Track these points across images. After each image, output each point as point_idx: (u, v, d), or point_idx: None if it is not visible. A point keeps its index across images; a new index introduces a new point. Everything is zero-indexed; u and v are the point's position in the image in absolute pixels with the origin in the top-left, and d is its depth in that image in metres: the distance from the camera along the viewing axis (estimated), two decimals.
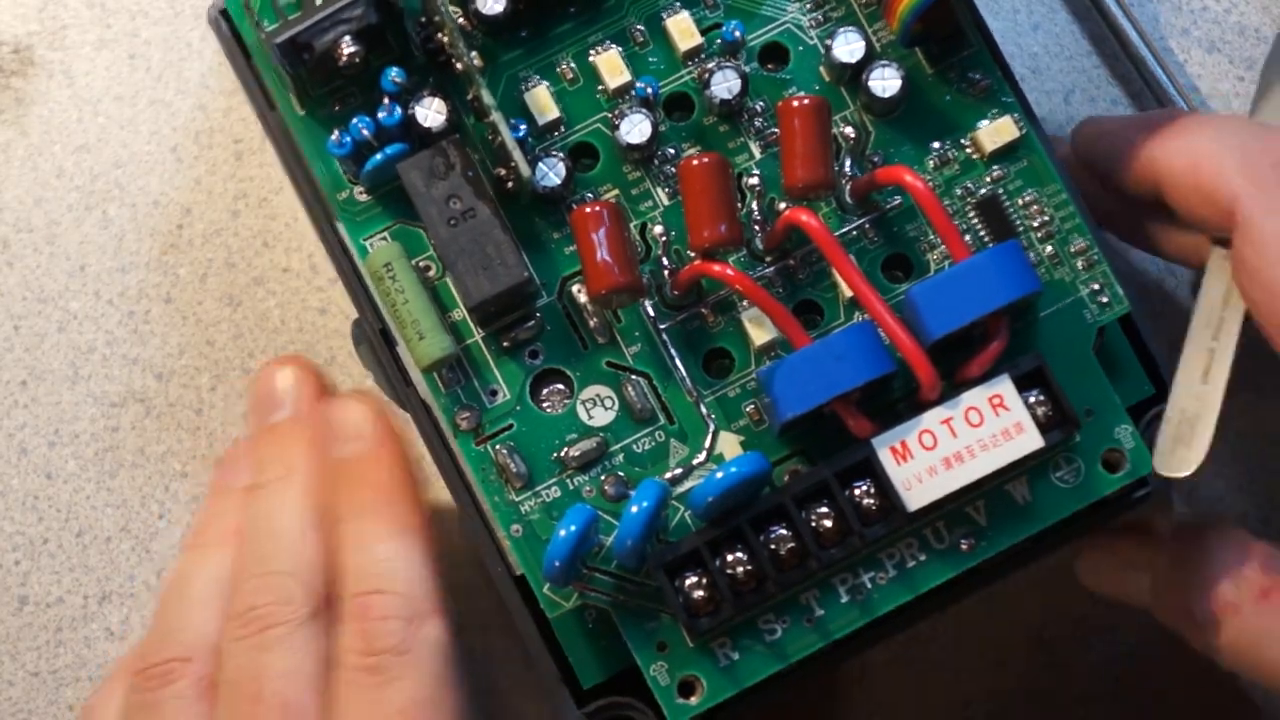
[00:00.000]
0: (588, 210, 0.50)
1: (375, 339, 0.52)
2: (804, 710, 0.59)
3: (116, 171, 0.59)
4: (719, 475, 0.48)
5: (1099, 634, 0.60)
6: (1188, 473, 0.50)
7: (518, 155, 0.49)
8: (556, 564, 0.48)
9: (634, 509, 0.48)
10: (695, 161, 0.50)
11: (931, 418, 0.49)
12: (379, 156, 0.50)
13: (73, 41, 0.59)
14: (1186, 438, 0.51)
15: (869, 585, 0.50)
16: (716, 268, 0.50)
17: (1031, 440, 0.49)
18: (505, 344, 0.51)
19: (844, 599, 0.50)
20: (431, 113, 0.50)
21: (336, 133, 0.50)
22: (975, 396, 0.49)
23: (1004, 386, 0.49)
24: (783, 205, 0.51)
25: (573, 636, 0.52)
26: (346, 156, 0.50)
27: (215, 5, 0.52)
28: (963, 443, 0.49)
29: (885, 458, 0.49)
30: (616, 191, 0.52)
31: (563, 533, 0.48)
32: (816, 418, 0.50)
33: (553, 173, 0.51)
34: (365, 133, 0.50)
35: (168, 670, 0.49)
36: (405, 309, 0.50)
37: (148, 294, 0.59)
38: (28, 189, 0.59)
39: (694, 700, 0.50)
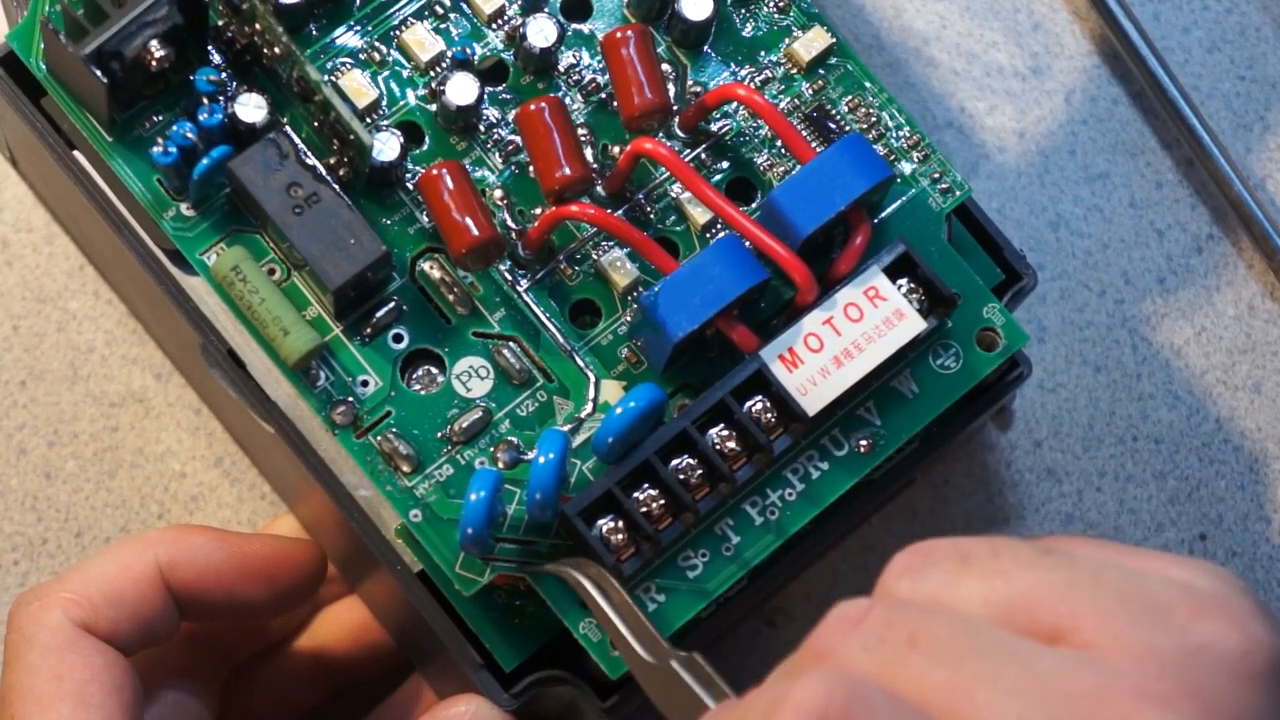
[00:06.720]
0: (434, 172, 0.49)
1: (223, 361, 0.50)
2: None
3: None
4: (618, 412, 0.47)
5: None
6: None
7: (356, 125, 0.47)
8: (470, 531, 0.47)
9: (541, 460, 0.47)
10: (533, 106, 0.49)
11: (812, 321, 0.49)
12: (205, 161, 0.48)
13: None
14: None
15: (779, 504, 0.50)
16: (575, 208, 0.49)
17: (914, 325, 0.49)
18: (367, 332, 0.49)
19: (757, 521, 0.49)
20: (251, 108, 0.49)
21: (160, 143, 0.48)
22: (850, 293, 0.49)
23: (876, 278, 0.49)
24: (616, 149, 0.51)
25: (482, 623, 0.50)
26: (172, 165, 0.48)
27: None
28: (848, 339, 0.49)
29: (776, 367, 0.48)
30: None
31: (474, 497, 0.46)
32: (696, 349, 0.49)
33: (387, 147, 0.49)
34: (190, 136, 0.48)
35: None
36: (264, 308, 0.48)
37: None
38: (27, 189, 0.58)
39: None
